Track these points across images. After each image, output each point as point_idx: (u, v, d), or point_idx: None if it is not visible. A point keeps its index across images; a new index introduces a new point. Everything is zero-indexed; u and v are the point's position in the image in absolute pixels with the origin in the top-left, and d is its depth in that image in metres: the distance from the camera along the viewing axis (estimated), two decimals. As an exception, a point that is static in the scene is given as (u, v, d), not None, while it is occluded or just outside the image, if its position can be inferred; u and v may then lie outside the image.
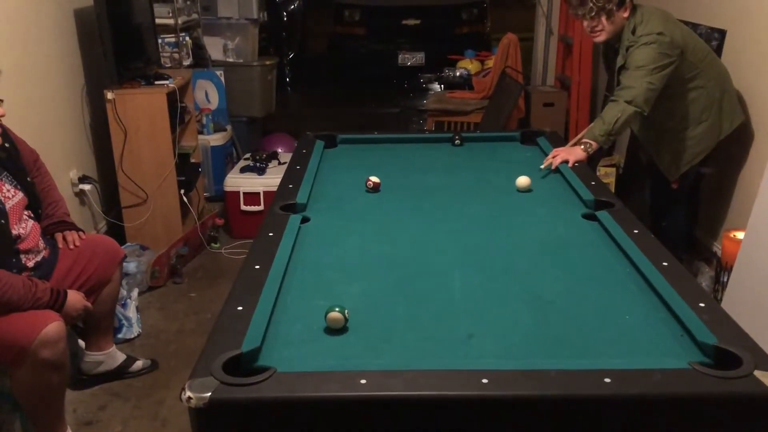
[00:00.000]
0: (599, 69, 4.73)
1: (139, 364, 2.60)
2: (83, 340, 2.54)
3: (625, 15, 2.69)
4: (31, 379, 1.97)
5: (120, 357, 2.56)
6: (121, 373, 2.56)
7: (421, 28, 7.52)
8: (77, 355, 2.51)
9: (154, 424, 2.34)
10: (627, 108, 2.58)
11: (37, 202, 2.26)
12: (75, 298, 2.12)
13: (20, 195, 2.16)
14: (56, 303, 2.04)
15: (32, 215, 2.22)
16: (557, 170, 2.48)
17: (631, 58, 2.65)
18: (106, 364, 2.52)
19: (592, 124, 2.69)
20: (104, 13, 3.24)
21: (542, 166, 2.52)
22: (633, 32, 2.68)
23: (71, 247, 2.32)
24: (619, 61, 2.77)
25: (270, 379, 1.26)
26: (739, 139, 3.11)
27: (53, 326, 1.93)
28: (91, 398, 2.47)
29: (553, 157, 2.52)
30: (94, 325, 2.47)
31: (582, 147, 2.57)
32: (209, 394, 1.21)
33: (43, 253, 2.21)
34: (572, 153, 2.53)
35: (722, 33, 3.27)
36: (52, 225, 2.36)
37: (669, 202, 3.08)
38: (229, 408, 1.23)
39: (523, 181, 2.31)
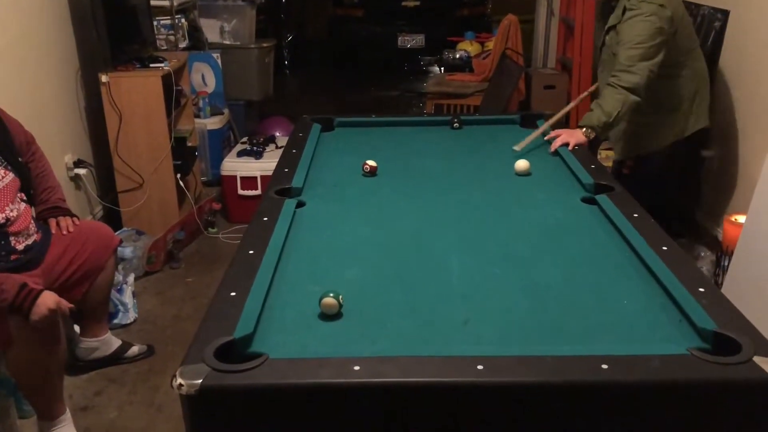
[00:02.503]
0: (601, 51, 4.67)
1: (134, 349, 2.59)
2: (78, 325, 2.53)
3: None
4: (26, 358, 1.97)
5: (115, 343, 2.55)
6: (116, 359, 2.55)
7: (421, 10, 7.45)
8: (73, 340, 2.50)
9: (150, 410, 2.33)
10: (628, 98, 2.49)
11: (30, 183, 2.24)
12: (47, 298, 1.92)
13: (11, 176, 2.13)
14: (26, 300, 1.89)
15: (25, 198, 2.19)
16: (556, 153, 2.44)
17: (629, 28, 2.54)
18: (101, 350, 2.51)
19: (594, 107, 2.57)
20: (98, -5, 3.20)
21: (546, 138, 2.49)
22: None
23: (64, 232, 2.30)
24: (612, 21, 2.68)
25: (262, 366, 1.24)
26: (742, 122, 3.08)
27: (46, 305, 1.90)
28: (87, 384, 2.46)
29: (559, 140, 2.47)
30: (89, 311, 2.45)
31: (583, 131, 2.51)
32: (200, 380, 1.19)
33: (35, 237, 2.19)
34: (573, 135, 2.48)
35: (725, 13, 3.22)
36: (46, 210, 2.34)
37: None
38: (220, 395, 1.21)
39: (522, 164, 2.28)
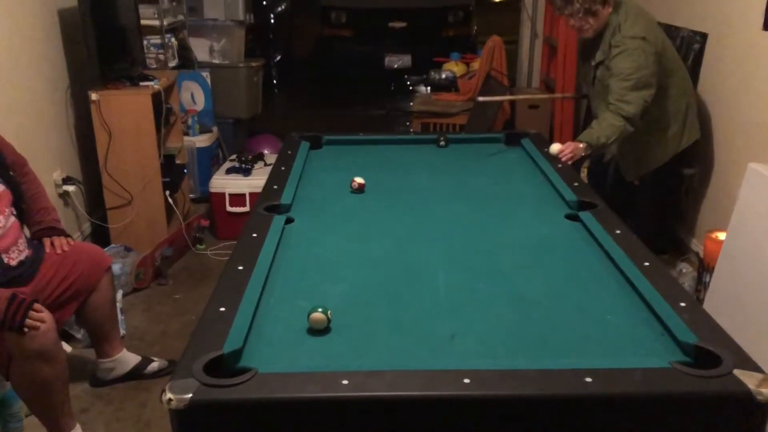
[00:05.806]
0: (584, 71, 4.75)
1: (155, 365, 2.56)
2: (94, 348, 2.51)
3: (609, 10, 2.74)
4: (24, 372, 1.96)
5: (132, 360, 2.52)
6: (136, 375, 2.52)
7: (408, 31, 7.54)
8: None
9: (137, 426, 2.32)
10: (625, 128, 2.70)
11: (21, 199, 2.24)
12: (39, 308, 1.95)
13: (2, 187, 2.13)
14: (17, 312, 1.88)
15: (15, 212, 2.19)
16: (542, 171, 2.49)
17: (618, 63, 2.71)
18: (117, 369, 2.49)
19: (595, 126, 2.74)
20: (88, 14, 3.22)
21: (558, 150, 2.62)
22: (618, 29, 2.73)
23: (58, 251, 2.28)
24: (599, 57, 2.83)
25: (251, 381, 1.25)
26: (721, 141, 3.15)
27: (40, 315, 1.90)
28: (73, 401, 2.41)
29: (568, 151, 2.63)
30: (94, 331, 2.44)
31: (582, 146, 2.66)
32: (190, 395, 1.20)
33: (26, 253, 2.18)
34: (578, 149, 2.64)
35: (704, 36, 3.31)
36: (42, 230, 2.33)
37: (630, 198, 3.11)
38: (209, 409, 1.22)
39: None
